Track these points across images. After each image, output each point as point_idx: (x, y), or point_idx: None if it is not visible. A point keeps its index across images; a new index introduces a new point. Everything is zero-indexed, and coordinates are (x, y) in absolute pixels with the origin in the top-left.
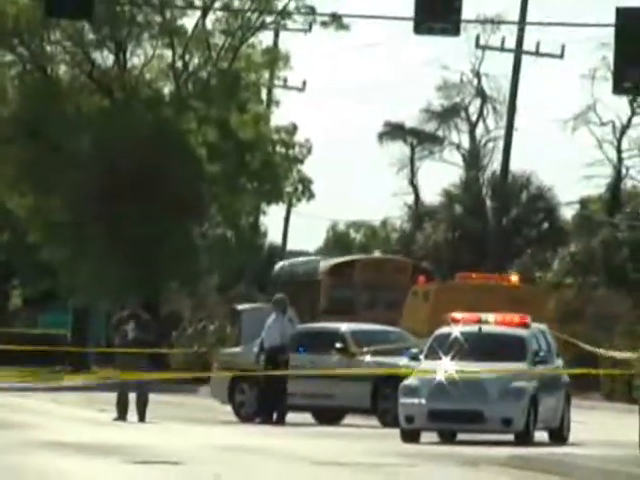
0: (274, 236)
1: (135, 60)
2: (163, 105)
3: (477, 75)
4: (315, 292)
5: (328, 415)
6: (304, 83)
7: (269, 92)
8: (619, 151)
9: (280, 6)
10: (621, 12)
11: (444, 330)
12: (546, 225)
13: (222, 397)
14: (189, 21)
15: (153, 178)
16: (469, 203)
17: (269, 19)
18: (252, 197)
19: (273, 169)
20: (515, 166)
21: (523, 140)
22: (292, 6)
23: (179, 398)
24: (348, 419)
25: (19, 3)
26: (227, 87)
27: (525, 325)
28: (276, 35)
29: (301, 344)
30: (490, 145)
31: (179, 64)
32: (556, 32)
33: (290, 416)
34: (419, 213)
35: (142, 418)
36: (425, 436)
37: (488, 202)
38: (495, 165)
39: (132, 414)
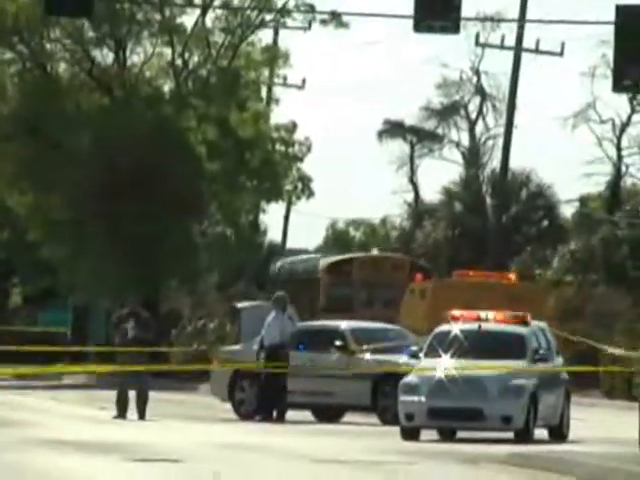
0: (274, 234)
1: (135, 58)
2: (163, 103)
3: (477, 73)
4: (315, 290)
5: (328, 413)
6: (304, 81)
7: (269, 90)
8: (619, 149)
9: (280, 4)
10: (621, 9)
11: (444, 328)
12: (546, 223)
13: (222, 395)
14: (189, 19)
15: (153, 176)
16: (469, 201)
17: (269, 17)
18: (252, 195)
19: (273, 167)
20: (515, 164)
21: (523, 138)
22: (292, 4)
23: (179, 396)
24: (348, 417)
25: (19, 1)
26: (227, 85)
27: (525, 323)
28: (276, 33)
29: (301, 342)
30: (490, 143)
31: (179, 62)
32: (556, 30)
33: (290, 414)
34: (419, 211)
35: (142, 416)
36: (425, 434)
37: (488, 200)
38: (495, 163)
39: (132, 412)
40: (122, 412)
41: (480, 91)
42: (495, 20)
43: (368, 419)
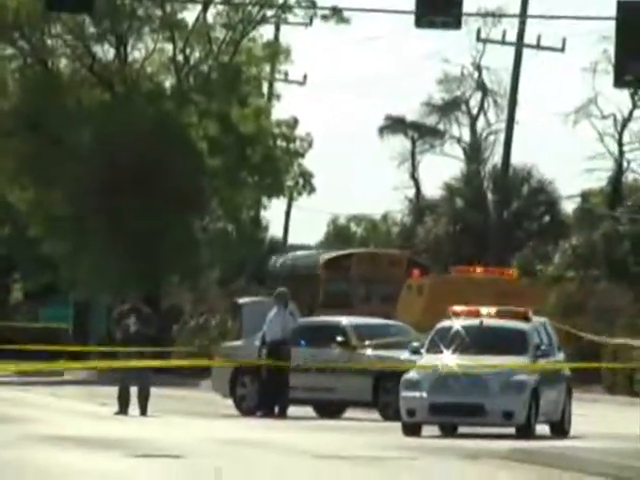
0: (275, 230)
1: (136, 54)
2: (164, 99)
3: (478, 68)
4: (315, 286)
5: (329, 409)
6: (305, 77)
7: (270, 86)
8: (620, 144)
9: (281, 0)
10: (622, 5)
11: (445, 324)
12: (547, 218)
13: (223, 391)
14: (190, 15)
15: (154, 172)
16: (470, 196)
17: (270, 13)
18: (253, 191)
19: (274, 163)
20: (516, 159)
21: (524, 133)
22: (293, 0)
23: (180, 392)
24: (349, 412)
25: None
26: (228, 81)
27: (526, 318)
28: (277, 29)
29: (302, 338)
30: (491, 138)
31: (180, 58)
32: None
33: (291, 410)
34: (420, 207)
35: (143, 412)
36: (426, 429)
37: (489, 195)
38: (496, 158)
39: (133, 408)
40: (123, 408)
41: (481, 87)
42: (496, 15)
43: (369, 415)
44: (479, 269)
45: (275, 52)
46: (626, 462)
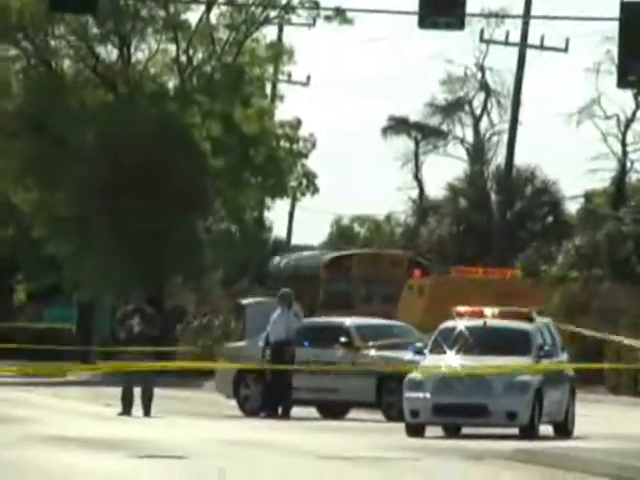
0: (279, 231)
1: (139, 54)
2: (167, 99)
3: (481, 69)
4: (316, 286)
5: (333, 409)
6: (308, 78)
7: (273, 87)
8: (624, 144)
9: (284, 0)
10: (625, 6)
11: (449, 324)
12: (551, 219)
13: (227, 391)
14: (193, 15)
15: (157, 172)
16: (473, 197)
17: (273, 13)
18: (256, 191)
19: (277, 164)
20: (520, 160)
21: (527, 134)
22: (296, 0)
23: (184, 392)
24: (353, 413)
25: None
26: (231, 82)
27: (530, 319)
28: (280, 29)
29: (306, 338)
30: (494, 139)
31: (183, 59)
32: (560, 26)
33: (295, 410)
34: (423, 207)
35: (147, 412)
36: (430, 430)
37: (492, 196)
38: (499, 159)
39: (137, 408)
40: (127, 409)
41: (485, 87)
42: (500, 16)
43: (373, 416)
44: (480, 269)
45: (278, 53)
46: (629, 462)
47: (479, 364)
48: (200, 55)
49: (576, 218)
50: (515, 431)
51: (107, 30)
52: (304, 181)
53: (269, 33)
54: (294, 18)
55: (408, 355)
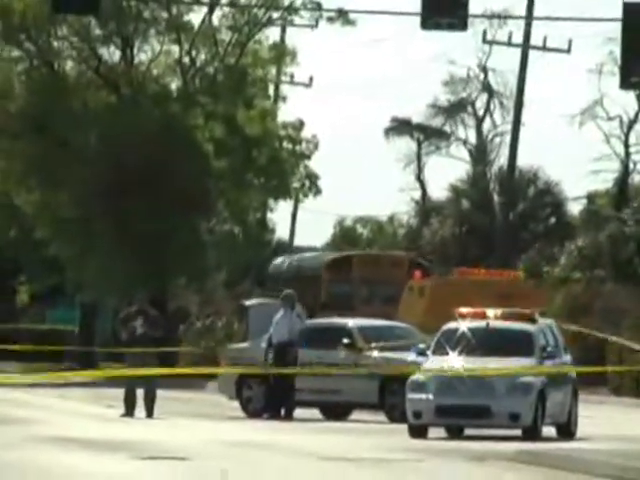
0: (281, 232)
1: (142, 56)
2: (170, 101)
3: (484, 70)
4: (316, 287)
5: (335, 411)
6: (311, 79)
7: (276, 88)
8: (626, 146)
9: (287, 2)
10: (628, 7)
11: (451, 325)
12: (553, 220)
13: (230, 393)
14: (196, 17)
15: (160, 174)
16: (476, 198)
17: (276, 15)
18: (259, 193)
19: (280, 165)
20: (522, 161)
21: (530, 135)
22: (299, 2)
23: (187, 394)
24: (355, 415)
25: None
26: (234, 83)
27: (533, 320)
28: (283, 31)
29: (308, 340)
30: (497, 140)
31: (186, 60)
32: (563, 27)
33: (298, 412)
34: (426, 208)
35: (150, 414)
36: (432, 431)
37: (495, 197)
38: (502, 160)
39: (140, 410)
40: (130, 410)
41: (487, 88)
42: (502, 17)
43: (376, 417)
44: (481, 271)
45: (281, 54)
46: (632, 464)
47: (482, 365)
48: (203, 56)
49: (579, 219)
50: (518, 432)
51: (110, 31)
52: (307, 182)
53: (272, 34)
54: (297, 19)
55: (411, 356)
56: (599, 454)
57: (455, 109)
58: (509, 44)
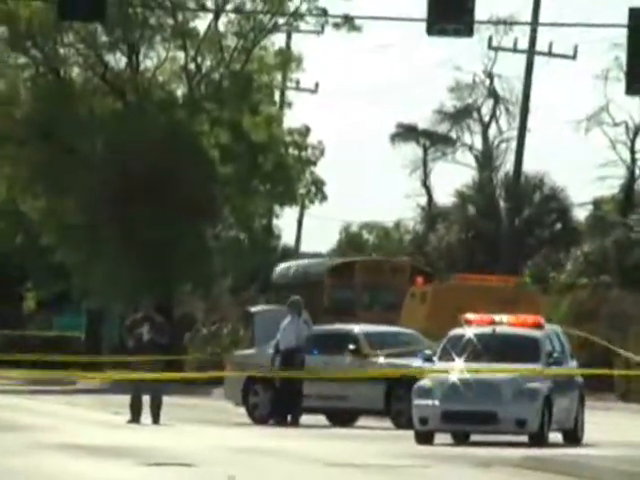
0: (287, 238)
1: (148, 62)
2: (176, 107)
3: (490, 76)
4: (319, 293)
5: (342, 417)
6: (316, 85)
7: (282, 94)
8: (632, 152)
9: (292, 8)
10: (634, 13)
11: (458, 331)
12: (559, 226)
13: (236, 399)
14: (201, 23)
15: (166, 180)
16: (482, 204)
17: (281, 21)
18: (265, 199)
19: (286, 171)
20: (528, 167)
21: (536, 141)
22: (304, 8)
23: (193, 400)
24: (362, 421)
25: (32, 6)
26: (240, 89)
27: (539, 326)
28: (288, 37)
29: (314, 346)
30: (503, 146)
31: (192, 66)
32: (569, 33)
33: (304, 418)
34: (432, 214)
35: (156, 420)
36: (439, 437)
37: (501, 203)
38: (508, 166)
39: (146, 416)
40: (136, 416)
41: (493, 94)
42: (508, 23)
43: (382, 423)
44: (482, 277)
45: (287, 60)
46: (639, 470)
47: (488, 371)
48: (208, 63)
49: (585, 225)
50: (524, 438)
51: (116, 38)
52: (313, 188)
53: (277, 40)
54: (302, 25)
55: (417, 362)
56: (606, 460)
57: (461, 115)
58: (515, 50)
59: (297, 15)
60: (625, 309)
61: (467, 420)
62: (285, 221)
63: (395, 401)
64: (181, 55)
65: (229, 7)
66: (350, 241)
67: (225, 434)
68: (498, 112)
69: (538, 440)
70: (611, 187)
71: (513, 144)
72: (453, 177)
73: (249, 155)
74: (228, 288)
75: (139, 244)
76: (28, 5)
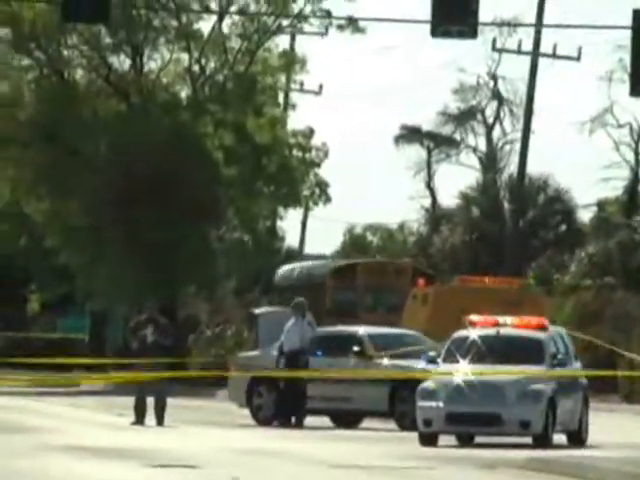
0: (291, 240)
1: (152, 64)
2: (180, 109)
3: (494, 78)
4: (322, 295)
5: (346, 418)
6: (320, 86)
7: (286, 96)
8: (636, 153)
9: (296, 10)
10: (638, 14)
11: (462, 333)
12: (563, 227)
13: (240, 400)
14: (205, 25)
15: (170, 182)
16: (486, 206)
17: (285, 23)
18: (269, 201)
19: (290, 173)
20: (532, 169)
21: (540, 142)
22: (308, 10)
23: (197, 402)
24: (366, 422)
25: (36, 7)
26: (244, 91)
27: (543, 328)
28: (292, 39)
29: (319, 347)
30: (507, 148)
31: (196, 68)
32: (573, 34)
33: (308, 419)
34: (436, 216)
35: (160, 422)
36: (443, 439)
37: (505, 205)
38: (512, 168)
39: (150, 418)
40: (140, 418)
41: (497, 96)
42: (512, 25)
43: (386, 425)
44: (483, 278)
45: (291, 62)
46: None
47: (492, 373)
48: (212, 64)
49: (589, 226)
50: (528, 440)
51: (120, 40)
52: (317, 190)
53: (281, 42)
54: (306, 27)
55: (421, 364)
56: (610, 462)
57: (465, 117)
58: (519, 52)
59: (301, 17)
60: (629, 310)
61: (471, 422)
62: (289, 223)
63: (399, 403)
64: (185, 57)
65: (233, 9)
66: (354, 243)
67: (229, 436)
68: (502, 114)
69: (542, 442)
70: (615, 188)
71: (517, 146)
72: (457, 179)
73: (253, 157)
74: (232, 290)
75: (143, 246)
76: (32, 7)
